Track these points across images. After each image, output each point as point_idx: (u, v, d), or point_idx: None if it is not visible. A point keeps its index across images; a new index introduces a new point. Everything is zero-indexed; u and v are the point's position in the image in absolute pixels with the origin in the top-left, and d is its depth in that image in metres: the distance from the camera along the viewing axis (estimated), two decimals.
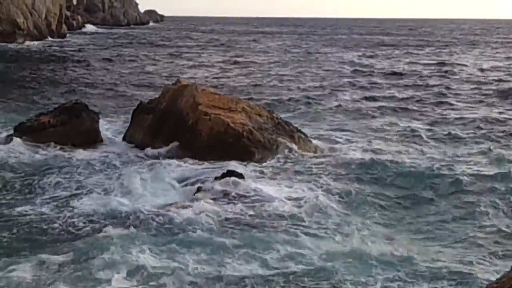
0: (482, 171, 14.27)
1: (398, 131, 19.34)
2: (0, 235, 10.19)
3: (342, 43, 74.72)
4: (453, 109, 24.00)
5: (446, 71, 38.71)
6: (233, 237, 10.07)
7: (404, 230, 10.71)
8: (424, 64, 43.87)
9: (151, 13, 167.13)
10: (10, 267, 8.80)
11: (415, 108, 24.23)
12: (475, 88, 30.31)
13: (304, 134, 16.72)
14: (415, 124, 20.43)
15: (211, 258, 9.21)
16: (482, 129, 19.66)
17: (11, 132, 17.11)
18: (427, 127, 20.08)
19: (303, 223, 10.76)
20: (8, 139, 16.58)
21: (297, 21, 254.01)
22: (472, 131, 19.36)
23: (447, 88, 30.29)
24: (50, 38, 68.71)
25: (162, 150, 15.72)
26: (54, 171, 14.13)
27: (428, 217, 11.35)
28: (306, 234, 10.22)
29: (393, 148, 16.79)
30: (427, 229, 10.71)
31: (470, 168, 14.50)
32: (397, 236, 10.30)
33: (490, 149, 16.53)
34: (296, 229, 10.46)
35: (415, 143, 17.64)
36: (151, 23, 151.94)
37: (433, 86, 31.26)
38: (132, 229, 10.22)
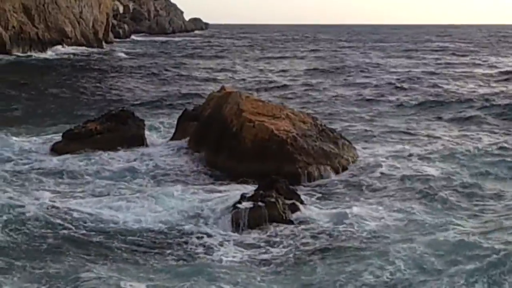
0: None
1: None
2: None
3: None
4: None
5: None
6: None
7: None
8: None
9: (196, 21, 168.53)
10: None
11: None
12: None
13: (348, 141, 16.67)
14: None
15: None
16: None
17: (59, 138, 17.46)
18: None
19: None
20: (56, 146, 16.94)
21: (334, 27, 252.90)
22: None
23: None
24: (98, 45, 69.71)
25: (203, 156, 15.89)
26: (102, 176, 14.35)
27: None
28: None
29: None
30: None
31: None
32: None
33: None
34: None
35: None
36: (196, 31, 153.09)
37: None
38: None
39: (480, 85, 33.74)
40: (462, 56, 60.26)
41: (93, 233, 10.66)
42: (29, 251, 9.72)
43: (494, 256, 9.02)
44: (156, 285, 8.68)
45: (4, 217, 10.91)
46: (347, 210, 11.85)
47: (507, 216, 11.43)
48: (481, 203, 12.46)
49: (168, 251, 10.03)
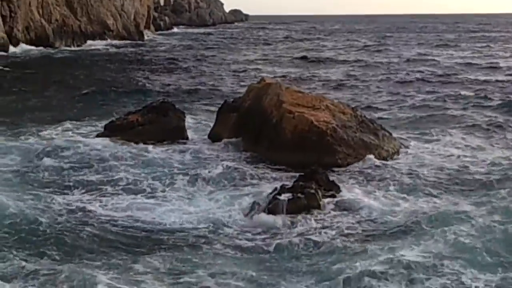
0: None
1: None
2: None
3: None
4: None
5: None
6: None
7: None
8: None
9: (236, 13, 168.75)
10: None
11: None
12: None
13: (389, 132, 16.56)
14: None
15: None
16: None
17: (102, 130, 17.70)
18: None
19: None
20: (98, 137, 17.18)
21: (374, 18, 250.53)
22: None
23: None
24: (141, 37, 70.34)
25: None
26: (146, 168, 14.50)
27: None
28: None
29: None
30: None
31: None
32: None
33: None
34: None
35: None
36: (236, 23, 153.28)
37: None
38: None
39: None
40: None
41: (125, 232, 10.63)
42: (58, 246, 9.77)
43: None
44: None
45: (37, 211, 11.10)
46: (386, 201, 11.83)
47: None
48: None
49: (214, 243, 10.06)
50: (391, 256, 9.04)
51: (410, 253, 9.13)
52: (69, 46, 56.54)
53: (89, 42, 60.02)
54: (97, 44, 59.90)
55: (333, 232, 10.39)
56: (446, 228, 9.93)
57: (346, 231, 10.44)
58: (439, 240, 9.53)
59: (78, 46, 57.38)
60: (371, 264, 8.81)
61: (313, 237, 10.18)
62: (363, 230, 10.50)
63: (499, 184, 12.89)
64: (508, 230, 9.77)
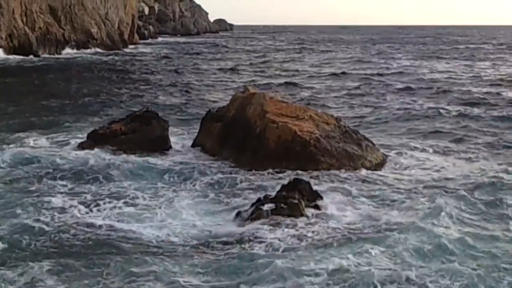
0: None
1: None
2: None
3: None
4: None
5: None
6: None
7: None
8: None
9: (220, 22, 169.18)
10: None
11: None
12: None
13: (372, 142, 16.59)
14: None
15: None
16: None
17: (84, 139, 17.61)
18: None
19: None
20: (81, 146, 17.09)
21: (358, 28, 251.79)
22: None
23: None
24: (124, 46, 70.24)
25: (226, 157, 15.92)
26: (128, 178, 14.38)
27: None
28: None
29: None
30: None
31: None
32: None
33: None
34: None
35: None
36: (220, 32, 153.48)
37: None
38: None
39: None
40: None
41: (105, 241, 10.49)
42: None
43: None
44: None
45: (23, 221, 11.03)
46: (370, 212, 11.86)
47: None
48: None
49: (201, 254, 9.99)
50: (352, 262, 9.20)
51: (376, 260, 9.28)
52: (52, 54, 56.33)
53: (66, 50, 59.69)
54: (79, 53, 59.76)
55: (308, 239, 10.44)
56: (416, 239, 10.09)
57: (319, 238, 10.47)
58: (402, 248, 9.69)
59: (57, 54, 57.08)
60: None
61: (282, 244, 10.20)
62: (336, 238, 10.47)
63: (476, 195, 12.84)
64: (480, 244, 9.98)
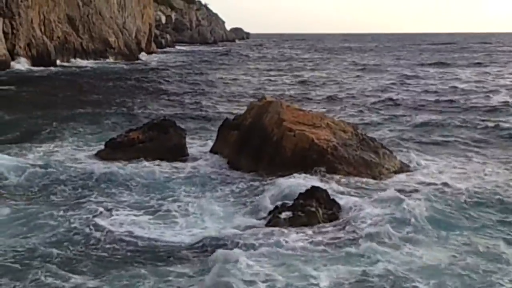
0: None
1: None
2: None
3: None
4: None
5: None
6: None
7: None
8: None
9: (237, 31, 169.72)
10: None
11: None
12: None
13: (389, 150, 16.56)
14: None
15: None
16: None
17: (102, 147, 17.71)
18: None
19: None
20: (99, 155, 17.20)
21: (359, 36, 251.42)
22: None
23: None
24: (142, 55, 70.64)
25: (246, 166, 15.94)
26: (148, 186, 14.43)
27: None
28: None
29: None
30: None
31: None
32: None
33: None
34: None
35: None
36: (237, 41, 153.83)
37: None
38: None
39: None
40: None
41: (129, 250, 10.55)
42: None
43: None
44: None
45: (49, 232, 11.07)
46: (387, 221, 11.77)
47: None
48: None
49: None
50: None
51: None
52: (70, 63, 56.76)
53: (84, 59, 59.97)
54: (97, 62, 60.16)
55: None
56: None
57: (335, 246, 10.44)
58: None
59: (75, 62, 57.42)
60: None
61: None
62: (352, 246, 10.37)
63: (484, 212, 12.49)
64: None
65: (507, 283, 8.90)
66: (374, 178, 14.82)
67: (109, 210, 12.43)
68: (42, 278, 8.98)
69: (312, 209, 11.62)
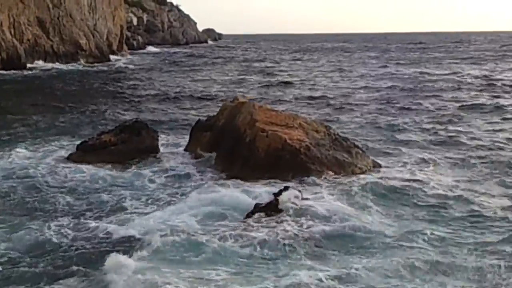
0: None
1: None
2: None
3: None
4: None
5: None
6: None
7: None
8: None
9: (209, 32, 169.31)
10: None
11: None
12: None
13: (362, 149, 16.62)
14: None
15: None
16: None
17: (74, 150, 17.55)
18: None
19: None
20: (70, 158, 17.04)
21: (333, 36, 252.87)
22: None
23: None
24: (113, 57, 70.27)
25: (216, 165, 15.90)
26: (118, 188, 14.38)
27: None
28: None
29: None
30: None
31: None
32: None
33: None
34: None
35: None
36: (209, 42, 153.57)
37: None
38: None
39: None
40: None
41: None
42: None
43: None
44: None
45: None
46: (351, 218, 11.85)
47: None
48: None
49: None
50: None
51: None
52: (41, 66, 56.16)
53: (55, 62, 59.31)
54: (68, 64, 59.62)
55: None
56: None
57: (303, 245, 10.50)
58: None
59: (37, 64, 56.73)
60: None
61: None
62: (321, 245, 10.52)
63: (452, 209, 12.70)
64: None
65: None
66: (346, 176, 14.86)
67: (75, 214, 12.40)
68: None
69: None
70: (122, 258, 9.50)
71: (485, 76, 44.22)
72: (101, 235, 11.08)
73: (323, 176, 14.59)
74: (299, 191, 12.68)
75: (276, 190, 12.65)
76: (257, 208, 11.84)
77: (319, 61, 69.64)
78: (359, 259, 9.79)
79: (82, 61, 63.17)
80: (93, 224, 11.67)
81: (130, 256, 9.70)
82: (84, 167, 16.00)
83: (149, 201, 13.33)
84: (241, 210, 12.11)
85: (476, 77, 43.76)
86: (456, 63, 61.39)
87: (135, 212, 12.51)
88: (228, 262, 9.73)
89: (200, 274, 9.20)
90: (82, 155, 17.05)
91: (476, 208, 12.59)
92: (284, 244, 10.36)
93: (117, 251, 10.01)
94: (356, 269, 9.30)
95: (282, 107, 26.55)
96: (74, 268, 9.53)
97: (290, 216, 11.59)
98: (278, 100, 32.39)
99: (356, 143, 17.23)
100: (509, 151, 18.09)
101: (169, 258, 9.80)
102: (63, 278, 9.23)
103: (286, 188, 12.53)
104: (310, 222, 11.38)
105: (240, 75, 50.24)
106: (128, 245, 10.53)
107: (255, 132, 15.72)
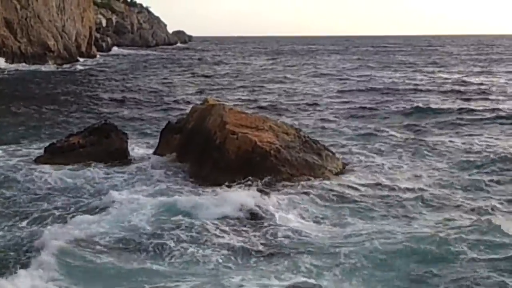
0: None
1: None
2: None
3: None
4: None
5: None
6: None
7: None
8: None
9: (179, 34, 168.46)
10: None
11: None
12: None
13: (332, 152, 16.68)
14: None
15: None
16: None
17: (42, 153, 17.35)
18: None
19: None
20: (38, 160, 16.83)
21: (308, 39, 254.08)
22: None
23: None
24: (81, 59, 69.71)
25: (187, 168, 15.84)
26: (85, 191, 14.25)
27: None
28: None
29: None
30: None
31: None
32: None
33: None
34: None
35: None
36: (178, 44, 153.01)
37: None
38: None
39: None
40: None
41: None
42: None
43: None
44: None
45: None
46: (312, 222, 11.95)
47: None
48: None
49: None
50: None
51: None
52: (9, 67, 55.43)
53: (22, 63, 58.57)
54: (36, 66, 58.92)
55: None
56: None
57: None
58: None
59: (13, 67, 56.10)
60: None
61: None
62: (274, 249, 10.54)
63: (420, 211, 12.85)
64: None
65: None
66: (316, 179, 14.90)
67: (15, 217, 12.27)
68: None
69: None
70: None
71: (446, 78, 44.83)
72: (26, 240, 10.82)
73: (293, 179, 14.62)
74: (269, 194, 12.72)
75: (245, 193, 12.68)
76: None
77: (289, 63, 69.79)
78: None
79: (50, 62, 62.43)
80: (28, 228, 11.52)
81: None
82: (50, 169, 15.82)
83: (106, 205, 12.92)
84: (202, 215, 11.94)
85: (435, 79, 44.34)
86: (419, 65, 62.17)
87: (96, 213, 12.35)
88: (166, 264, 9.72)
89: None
90: (50, 157, 16.86)
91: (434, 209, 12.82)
92: (236, 252, 10.33)
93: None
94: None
95: (252, 109, 26.55)
96: None
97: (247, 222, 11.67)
98: (249, 100, 32.40)
99: (326, 145, 17.29)
100: (473, 154, 18.21)
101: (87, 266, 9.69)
102: None
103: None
104: (267, 229, 11.41)
105: (210, 77, 50.13)
106: None
107: (225, 134, 15.68)
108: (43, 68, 57.73)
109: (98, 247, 10.43)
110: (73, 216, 12.07)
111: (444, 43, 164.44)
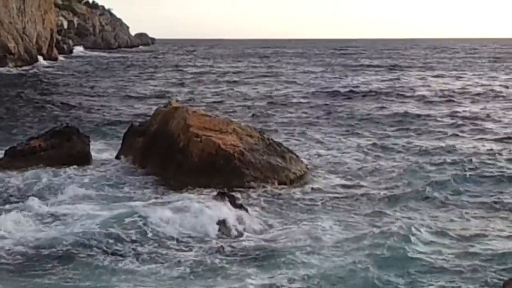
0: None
1: None
2: None
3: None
4: None
5: None
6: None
7: None
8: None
9: (142, 36, 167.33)
10: None
11: None
12: None
13: (296, 154, 16.72)
14: None
15: None
16: None
17: (1, 156, 17.05)
18: None
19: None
20: None
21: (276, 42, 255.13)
22: None
23: None
24: (43, 61, 68.84)
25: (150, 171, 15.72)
26: (45, 193, 14.03)
27: None
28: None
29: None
30: None
31: None
32: None
33: None
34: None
35: None
36: (141, 46, 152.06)
37: None
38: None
39: None
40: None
41: None
42: None
43: None
44: None
45: None
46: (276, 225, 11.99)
47: None
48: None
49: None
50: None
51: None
52: None
53: None
54: None
55: None
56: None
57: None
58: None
59: None
60: None
61: None
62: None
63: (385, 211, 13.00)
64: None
65: None
66: (281, 183, 14.93)
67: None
68: None
69: None
70: None
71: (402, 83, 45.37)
72: None
73: (257, 181, 14.64)
74: (233, 196, 12.68)
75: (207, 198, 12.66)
76: None
77: (252, 66, 69.87)
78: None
79: (10, 65, 61.46)
80: None
81: None
82: (9, 173, 15.57)
83: (57, 211, 12.62)
84: (161, 225, 11.64)
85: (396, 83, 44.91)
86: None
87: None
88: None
89: None
90: (10, 161, 16.58)
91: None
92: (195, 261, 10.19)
93: None
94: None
95: (215, 112, 26.47)
96: None
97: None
98: (212, 103, 32.34)
99: (290, 148, 17.33)
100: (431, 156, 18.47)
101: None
102: None
103: (219, 194, 12.54)
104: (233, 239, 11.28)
105: (172, 79, 49.88)
106: None
107: (189, 137, 15.62)
108: (3, 70, 56.79)
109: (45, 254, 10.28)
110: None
111: (406, 46, 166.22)
